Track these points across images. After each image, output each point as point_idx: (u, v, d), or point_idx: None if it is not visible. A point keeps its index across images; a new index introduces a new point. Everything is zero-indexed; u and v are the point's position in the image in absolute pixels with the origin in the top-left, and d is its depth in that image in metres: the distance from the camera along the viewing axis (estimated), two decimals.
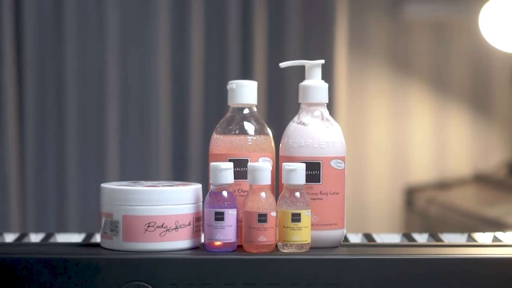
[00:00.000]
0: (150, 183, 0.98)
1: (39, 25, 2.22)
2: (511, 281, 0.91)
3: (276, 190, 0.97)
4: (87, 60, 2.24)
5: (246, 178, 0.96)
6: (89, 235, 1.14)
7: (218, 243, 0.93)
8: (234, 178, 0.95)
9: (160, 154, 2.23)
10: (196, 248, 0.95)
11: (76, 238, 1.15)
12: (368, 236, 1.13)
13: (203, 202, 0.96)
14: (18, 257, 0.91)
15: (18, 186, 2.22)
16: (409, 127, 2.68)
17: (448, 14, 2.66)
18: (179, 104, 2.27)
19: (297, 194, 0.93)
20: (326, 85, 0.99)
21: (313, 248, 0.95)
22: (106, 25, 2.22)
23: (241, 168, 0.96)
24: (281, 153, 0.98)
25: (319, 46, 2.28)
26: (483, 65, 2.69)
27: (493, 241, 1.07)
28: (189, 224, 0.94)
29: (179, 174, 2.23)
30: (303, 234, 0.93)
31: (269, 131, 0.99)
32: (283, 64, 1.01)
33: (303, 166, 0.94)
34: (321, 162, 0.96)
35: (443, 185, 2.65)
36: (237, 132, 0.98)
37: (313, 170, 0.96)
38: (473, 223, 2.15)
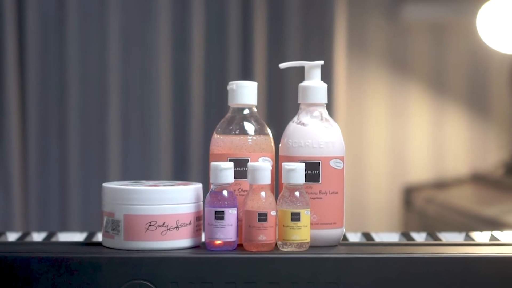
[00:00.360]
0: (151, 182, 0.99)
1: (41, 27, 2.22)
2: (509, 279, 0.92)
3: (276, 190, 0.98)
4: (89, 61, 2.25)
5: (246, 178, 0.96)
6: (91, 234, 1.15)
7: (218, 242, 0.94)
8: (234, 178, 0.95)
9: (161, 154, 2.24)
10: (197, 247, 0.96)
11: (78, 237, 1.15)
12: (367, 235, 1.14)
13: (203, 201, 0.96)
14: (20, 256, 0.91)
15: (21, 185, 2.22)
16: (407, 127, 2.69)
17: (446, 16, 2.66)
18: (180, 105, 2.28)
19: (297, 193, 0.94)
20: (325, 85, 0.99)
21: (313, 247, 0.95)
22: (107, 27, 2.23)
23: (241, 168, 0.97)
24: (280, 153, 0.98)
25: (318, 47, 2.29)
26: (481, 66, 2.69)
27: (490, 240, 1.08)
28: (190, 223, 0.95)
29: (180, 174, 2.24)
30: (302, 233, 0.94)
31: (269, 131, 1.00)
32: (282, 65, 1.02)
33: (302, 166, 0.94)
34: (320, 162, 0.96)
35: (441, 184, 2.66)
36: (237, 132, 0.98)
37: (313, 170, 0.96)
38: (470, 222, 2.15)
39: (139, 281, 0.91)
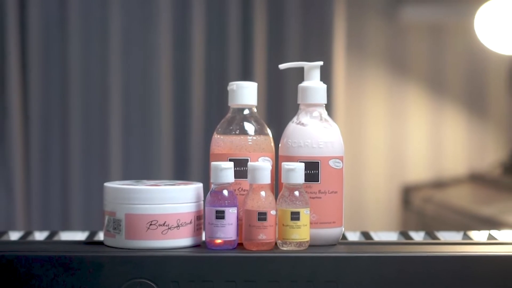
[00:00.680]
0: (152, 182, 0.99)
1: (43, 28, 2.23)
2: (506, 278, 0.92)
3: (276, 189, 0.98)
4: (91, 61, 2.25)
5: (246, 177, 0.96)
6: (93, 233, 1.15)
7: (218, 241, 0.94)
8: (235, 177, 0.96)
9: (162, 154, 2.25)
10: (197, 246, 0.96)
11: (80, 236, 1.15)
12: (366, 234, 1.14)
13: (204, 200, 0.97)
14: (23, 254, 0.92)
15: (23, 185, 2.23)
16: (406, 128, 2.70)
17: (444, 17, 2.67)
18: (181, 105, 2.28)
19: (296, 193, 0.94)
20: (325, 86, 1.00)
21: (312, 246, 0.96)
22: (109, 27, 2.24)
23: (241, 168, 0.97)
24: (280, 153, 0.99)
25: (317, 48, 2.29)
26: (479, 66, 2.70)
27: (488, 239, 1.08)
28: (191, 222, 0.95)
29: (181, 174, 2.24)
30: (302, 232, 0.94)
31: (268, 131, 1.00)
32: (282, 66, 1.02)
33: (302, 165, 0.95)
34: (319, 161, 0.97)
35: (439, 184, 2.67)
36: (237, 132, 0.99)
37: (312, 170, 0.96)
38: (468, 221, 2.16)
39: (140, 280, 0.91)
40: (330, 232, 0.98)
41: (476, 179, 2.63)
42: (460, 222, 2.19)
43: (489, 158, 2.70)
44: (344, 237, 1.12)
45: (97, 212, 2.18)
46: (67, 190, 2.24)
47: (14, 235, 1.12)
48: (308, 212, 0.95)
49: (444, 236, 1.14)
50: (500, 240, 1.06)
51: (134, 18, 2.26)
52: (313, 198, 0.97)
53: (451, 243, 1.02)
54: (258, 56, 2.28)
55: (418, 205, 2.57)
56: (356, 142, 2.66)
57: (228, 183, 0.95)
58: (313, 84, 0.99)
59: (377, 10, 2.66)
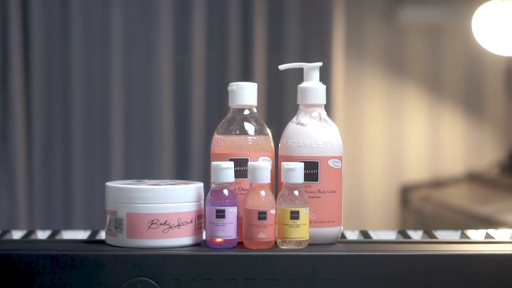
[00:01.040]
0: (153, 181, 0.99)
1: (45, 29, 2.24)
2: (503, 276, 0.92)
3: (276, 189, 0.98)
4: (92, 62, 2.26)
5: (246, 177, 0.97)
6: (94, 232, 1.15)
7: (219, 240, 0.95)
8: (235, 177, 0.96)
9: (163, 153, 2.26)
10: (198, 244, 0.96)
11: (82, 235, 1.16)
12: (365, 233, 1.15)
13: (204, 200, 0.97)
14: (25, 253, 0.92)
15: (26, 185, 2.24)
16: (404, 128, 2.71)
17: (442, 18, 2.68)
18: (181, 105, 2.29)
19: (296, 192, 0.95)
20: (324, 86, 1.00)
21: (311, 244, 0.96)
22: (110, 28, 2.25)
23: (241, 167, 0.98)
24: (280, 153, 0.99)
25: (317, 49, 2.30)
26: (476, 67, 2.71)
27: (485, 238, 1.09)
28: (191, 221, 0.96)
29: (182, 173, 2.25)
30: (301, 231, 0.95)
31: (268, 131, 1.01)
32: (282, 67, 1.03)
33: (301, 165, 0.95)
34: (319, 161, 0.97)
35: (437, 183, 2.67)
36: (237, 132, 0.99)
37: (311, 169, 0.97)
38: (466, 220, 2.17)
39: (142, 278, 0.91)
40: (329, 231, 0.98)
41: (474, 178, 2.64)
42: (458, 221, 2.20)
43: (486, 158, 2.71)
44: (343, 236, 1.12)
45: (99, 211, 2.18)
46: (69, 190, 2.25)
47: (17, 234, 1.12)
48: (308, 211, 0.95)
49: (442, 235, 1.14)
50: (497, 239, 1.07)
51: (135, 19, 2.27)
52: (313, 197, 0.97)
53: (449, 242, 1.02)
54: (258, 57, 2.29)
55: (416, 204, 2.58)
56: (355, 142, 2.67)
57: (229, 183, 0.96)
58: (312, 85, 1.00)
59: (376, 11, 2.67)
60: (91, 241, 1.02)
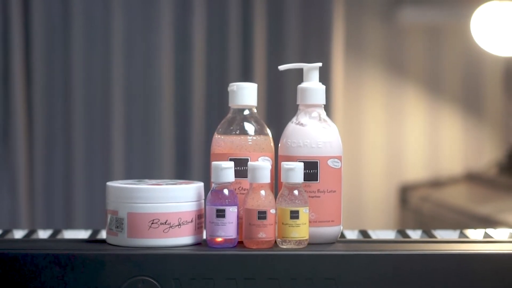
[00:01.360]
0: (154, 181, 0.99)
1: (46, 31, 2.25)
2: (502, 275, 0.93)
3: (276, 188, 0.99)
4: (93, 62, 2.27)
5: (246, 177, 0.97)
6: (95, 232, 1.15)
7: (219, 239, 0.95)
8: (235, 177, 0.96)
9: (163, 153, 2.27)
10: (198, 244, 0.97)
11: (83, 234, 1.16)
12: (364, 233, 1.15)
13: (205, 199, 0.98)
14: (27, 253, 0.92)
15: (27, 184, 2.24)
16: (403, 128, 2.71)
17: (441, 19, 2.69)
18: (182, 106, 2.30)
19: (296, 192, 0.95)
20: (324, 87, 1.01)
21: (311, 244, 0.96)
22: (111, 29, 2.26)
23: (241, 167, 0.98)
24: (280, 153, 1.00)
25: (317, 49, 2.31)
26: (475, 67, 2.72)
27: (484, 237, 1.09)
28: (192, 221, 0.96)
29: (182, 173, 2.26)
30: (301, 231, 0.95)
31: (268, 131, 1.01)
32: (282, 67, 1.03)
33: (301, 165, 0.96)
34: (318, 161, 0.98)
35: (436, 183, 2.68)
36: (237, 132, 1.00)
37: (311, 169, 0.97)
38: (465, 220, 2.17)
39: (142, 278, 0.92)
40: (329, 231, 0.99)
41: (473, 178, 2.65)
42: (457, 221, 2.20)
43: (485, 158, 2.72)
44: (342, 235, 1.13)
45: (100, 211, 2.19)
46: (70, 189, 2.26)
47: (18, 234, 1.12)
48: (307, 211, 0.96)
49: (441, 234, 1.14)
50: (496, 238, 1.07)
51: (135, 19, 2.28)
52: (312, 197, 0.97)
53: (448, 241, 1.03)
54: (258, 57, 2.30)
55: (415, 204, 2.58)
56: (354, 142, 2.68)
57: (229, 182, 0.96)
58: (312, 85, 1.00)
59: (375, 12, 2.68)
60: (92, 240, 1.02)
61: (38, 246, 0.98)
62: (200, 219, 0.98)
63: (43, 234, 1.14)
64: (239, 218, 0.96)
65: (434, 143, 2.72)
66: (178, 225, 0.95)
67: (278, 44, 2.31)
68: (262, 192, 0.95)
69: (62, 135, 2.27)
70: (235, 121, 1.00)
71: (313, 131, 0.98)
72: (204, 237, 0.98)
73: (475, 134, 2.72)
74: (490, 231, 1.13)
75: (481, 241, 1.04)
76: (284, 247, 0.95)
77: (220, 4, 2.29)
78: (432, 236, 1.12)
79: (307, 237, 0.96)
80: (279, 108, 2.30)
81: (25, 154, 2.24)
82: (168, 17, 2.28)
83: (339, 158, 0.99)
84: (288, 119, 1.02)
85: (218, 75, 2.29)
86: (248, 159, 0.98)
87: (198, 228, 0.97)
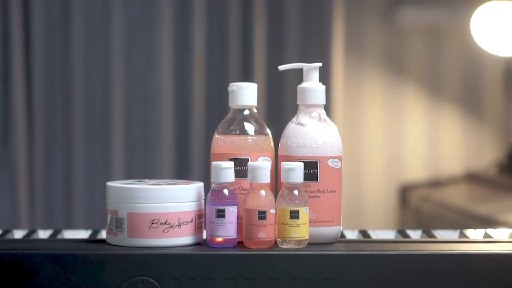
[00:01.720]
0: (154, 181, 1.00)
1: (46, 31, 2.25)
2: (502, 275, 0.93)
3: (276, 188, 0.99)
4: (93, 62, 2.27)
5: (246, 177, 0.97)
6: (95, 232, 1.15)
7: (219, 239, 0.95)
8: (235, 177, 0.97)
9: (163, 153, 2.27)
10: (198, 244, 0.97)
11: (83, 234, 1.16)
12: (364, 233, 1.15)
13: (205, 199, 0.98)
14: (27, 252, 0.92)
15: (27, 184, 2.25)
16: (403, 128, 2.71)
17: (441, 19, 2.69)
18: (182, 106, 2.30)
19: (296, 192, 0.95)
20: (324, 87, 1.01)
21: (311, 244, 0.96)
22: (111, 29, 2.26)
23: (241, 167, 0.98)
24: (280, 153, 1.00)
25: (317, 49, 2.31)
26: (475, 67, 2.72)
27: (484, 237, 1.09)
28: (192, 221, 0.96)
29: (182, 173, 2.26)
30: (301, 231, 0.95)
31: (268, 131, 1.01)
32: (282, 67, 1.03)
33: (301, 165, 0.96)
34: (318, 161, 0.98)
35: (436, 183, 2.68)
36: (237, 132, 1.00)
37: (311, 169, 0.97)
38: (465, 220, 2.17)
39: (142, 278, 0.92)
40: (329, 231, 0.99)
41: (473, 178, 2.65)
42: (457, 221, 2.20)
43: (485, 158, 2.72)
44: (342, 235, 1.13)
45: (100, 211, 2.19)
46: (70, 189, 2.26)
47: (18, 234, 1.13)
48: (307, 211, 0.96)
49: (441, 234, 1.15)
50: (496, 238, 1.07)
51: (135, 19, 2.28)
52: (312, 197, 0.97)
53: (448, 241, 1.03)
54: (258, 57, 2.30)
55: (415, 204, 2.58)
56: (354, 142, 2.68)
57: (229, 182, 0.96)
58: (312, 85, 1.00)
59: (375, 12, 2.68)
60: (92, 240, 1.02)
61: (38, 246, 0.98)
62: (200, 219, 0.98)
63: (43, 234, 1.14)
64: (239, 218, 0.96)
65: (434, 143, 2.72)
66: (178, 225, 0.95)
67: (278, 44, 2.31)
68: (262, 192, 0.95)
69: (62, 135, 2.27)
70: (235, 121, 1.00)
71: (313, 131, 0.99)
72: (204, 237, 0.98)
73: (475, 134, 2.73)
74: (490, 231, 1.13)
75: (481, 241, 1.04)
76: (284, 247, 0.96)
77: (220, 4, 2.30)
78: (432, 236, 1.12)
79: (307, 237, 0.96)
80: (279, 108, 2.30)
81: (25, 154, 2.24)
82: (168, 17, 2.28)
83: (339, 158, 0.99)
84: (288, 119, 1.02)
85: (218, 75, 2.30)
86: (248, 159, 0.99)
87: (198, 228, 0.98)
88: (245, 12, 2.30)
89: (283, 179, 0.96)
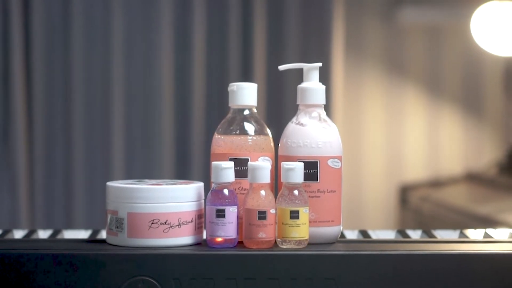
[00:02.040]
0: (154, 181, 1.00)
1: (46, 29, 2.25)
2: (501, 275, 0.93)
3: (276, 188, 0.99)
4: (93, 62, 2.28)
5: (246, 177, 0.97)
6: (95, 232, 1.16)
7: (219, 239, 0.95)
8: (235, 177, 0.97)
9: (163, 153, 2.27)
10: (198, 244, 0.97)
11: (83, 234, 1.17)
12: (364, 233, 1.15)
13: (205, 199, 0.98)
14: (27, 252, 0.92)
15: (27, 184, 2.25)
16: (403, 128, 2.71)
17: (441, 19, 2.69)
18: (182, 106, 2.30)
19: (296, 192, 0.95)
20: (324, 87, 1.01)
21: (311, 244, 0.97)
22: (111, 29, 2.26)
23: (241, 167, 0.98)
24: (280, 153, 1.00)
25: (317, 49, 2.31)
26: (475, 67, 2.72)
27: (484, 237, 1.09)
28: (192, 221, 0.96)
29: (182, 173, 2.26)
30: (301, 231, 0.95)
31: (268, 131, 1.01)
32: (282, 67, 1.03)
33: (301, 165, 0.96)
34: (318, 161, 0.98)
35: (436, 183, 2.68)
36: (237, 132, 1.00)
37: (311, 169, 0.97)
38: (465, 220, 2.17)
39: (142, 277, 0.92)
40: (329, 231, 0.99)
41: (473, 178, 2.65)
42: (457, 221, 2.20)
43: (485, 158, 2.72)
44: (342, 235, 1.13)
45: (100, 211, 2.19)
46: (70, 189, 2.26)
47: (18, 234, 1.13)
48: (307, 210, 0.96)
49: (441, 234, 1.15)
50: (495, 238, 1.07)
51: (135, 19, 2.28)
52: (312, 197, 0.98)
53: (448, 241, 1.03)
54: (258, 57, 2.30)
55: (415, 204, 2.59)
56: (354, 142, 2.68)
57: (229, 182, 0.96)
58: (312, 85, 1.00)
59: (375, 12, 2.68)
60: (92, 240, 1.02)
61: (38, 246, 0.98)
62: (200, 219, 0.98)
63: (43, 234, 1.15)
64: (239, 218, 0.96)
65: (434, 143, 2.72)
66: (178, 225, 0.95)
67: (278, 44, 2.32)
68: (262, 192, 0.95)
69: (62, 135, 2.27)
70: (235, 121, 1.00)
71: (313, 131, 0.99)
72: (204, 237, 0.98)
73: (475, 134, 2.73)
74: (490, 231, 1.13)
75: (481, 241, 1.04)
76: (284, 247, 0.96)
77: (220, 4, 2.30)
78: (432, 236, 1.12)
79: (307, 237, 0.96)
80: (279, 108, 2.30)
81: (25, 154, 2.25)
82: (168, 17, 2.28)
83: (339, 158, 0.99)
84: (288, 119, 1.02)
85: (218, 75, 2.30)
86: (248, 159, 0.99)
87: (198, 228, 0.98)
88: (245, 12, 2.30)
89: (283, 179, 0.96)
